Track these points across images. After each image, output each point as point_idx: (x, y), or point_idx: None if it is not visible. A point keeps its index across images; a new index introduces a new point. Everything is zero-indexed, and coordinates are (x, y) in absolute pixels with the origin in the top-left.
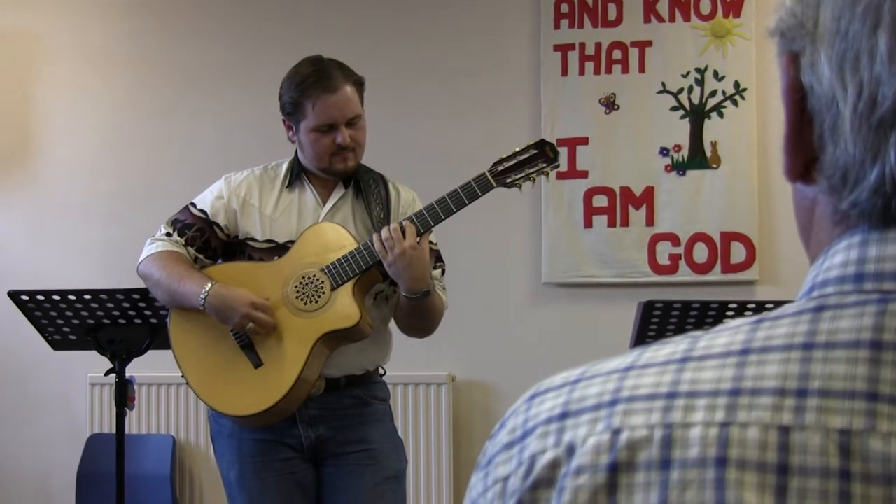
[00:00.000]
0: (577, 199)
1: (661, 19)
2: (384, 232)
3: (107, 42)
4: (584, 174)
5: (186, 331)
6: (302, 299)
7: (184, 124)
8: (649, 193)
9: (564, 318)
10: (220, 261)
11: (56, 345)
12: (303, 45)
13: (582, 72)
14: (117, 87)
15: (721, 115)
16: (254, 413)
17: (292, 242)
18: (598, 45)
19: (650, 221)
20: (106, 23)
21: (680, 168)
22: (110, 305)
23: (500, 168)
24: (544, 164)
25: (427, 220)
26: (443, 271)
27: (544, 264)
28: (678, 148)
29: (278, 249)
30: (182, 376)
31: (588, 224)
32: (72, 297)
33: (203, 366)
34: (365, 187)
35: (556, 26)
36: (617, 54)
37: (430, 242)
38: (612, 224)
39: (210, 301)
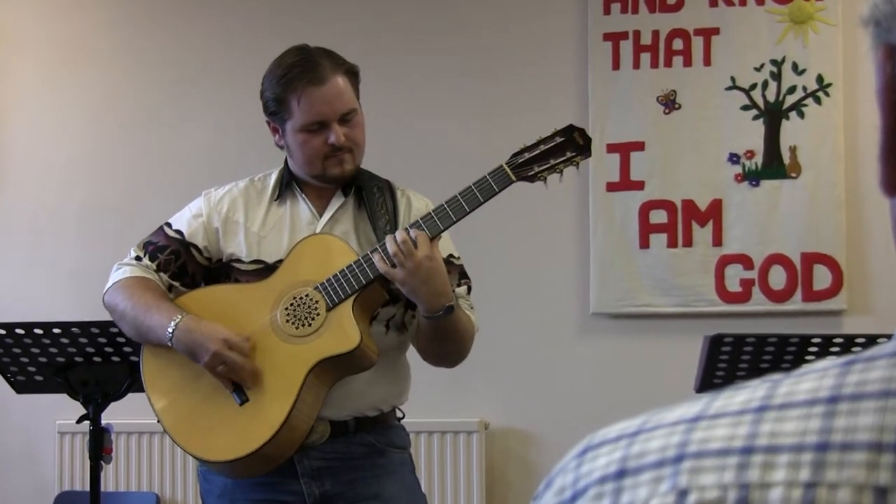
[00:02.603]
0: (631, 214)
1: (729, 3)
2: (390, 245)
3: (81, 33)
4: (640, 185)
5: (160, 368)
6: (293, 323)
7: (171, 129)
8: (716, 208)
9: (617, 355)
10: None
11: (19, 387)
12: (309, 36)
13: (636, 65)
14: (93, 85)
15: (801, 115)
16: (238, 458)
17: (282, 262)
18: (656, 34)
19: (718, 241)
20: (80, 10)
21: (753, 178)
22: (83, 341)
23: (521, 159)
24: (573, 154)
25: (436, 223)
26: (469, 289)
27: (593, 292)
28: (750, 154)
29: (268, 271)
30: (157, 420)
31: (644, 244)
32: (38, 331)
33: (179, 406)
34: (368, 195)
35: (607, 11)
36: (678, 44)
37: (452, 257)
38: (672, 244)
39: (178, 336)
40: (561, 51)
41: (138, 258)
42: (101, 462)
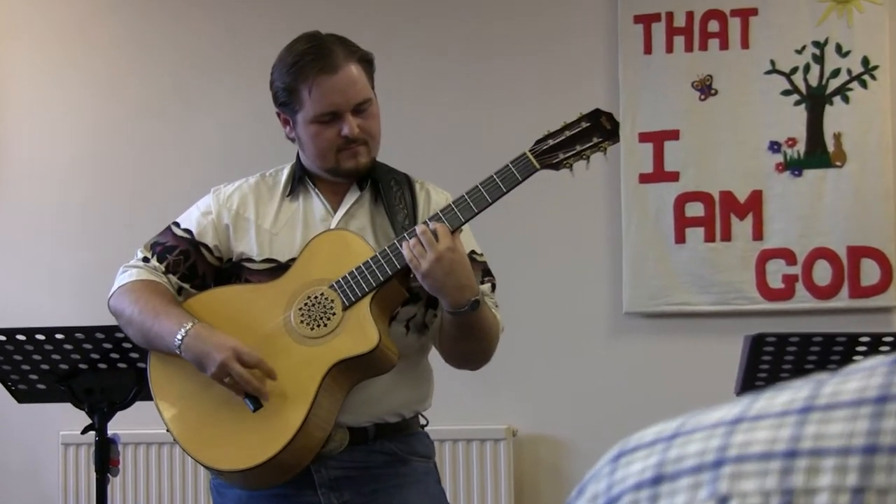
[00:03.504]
0: (665, 207)
1: None
2: (411, 238)
3: (81, 18)
4: (675, 176)
5: (169, 374)
6: (308, 324)
7: (176, 121)
8: (756, 199)
9: (651, 356)
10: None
11: (21, 396)
12: (323, 21)
13: (670, 48)
14: (94, 75)
15: (846, 99)
16: (252, 467)
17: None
18: (690, 15)
19: (758, 235)
20: None
21: (795, 167)
22: (88, 346)
23: (545, 146)
24: (601, 139)
25: (457, 215)
26: (493, 286)
27: (626, 290)
28: (792, 142)
29: (280, 270)
30: (167, 430)
31: (680, 239)
32: (40, 337)
33: (190, 414)
34: (385, 189)
35: None
36: (714, 26)
37: (475, 253)
38: (710, 238)
39: (187, 344)
40: (589, 35)
41: (146, 259)
42: (108, 475)
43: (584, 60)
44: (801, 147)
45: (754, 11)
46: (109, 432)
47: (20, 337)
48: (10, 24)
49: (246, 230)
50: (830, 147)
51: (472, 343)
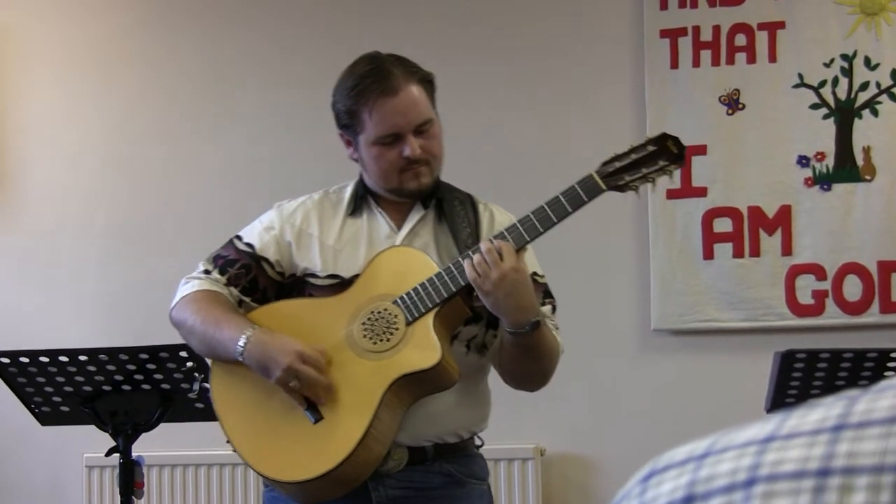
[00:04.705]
0: (693, 223)
1: None
2: (476, 255)
3: (104, 36)
4: (703, 192)
5: (230, 384)
6: (370, 338)
7: (203, 138)
8: (785, 214)
9: (680, 373)
10: None
11: (45, 418)
12: (350, 33)
13: (696, 63)
14: (118, 92)
15: (875, 113)
16: (311, 479)
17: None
18: (717, 29)
19: (787, 250)
20: (93, 16)
21: (824, 181)
22: (111, 368)
23: (612, 168)
24: (666, 163)
25: (522, 234)
26: (553, 308)
27: (654, 307)
28: (821, 156)
29: (343, 286)
30: (227, 440)
31: (708, 255)
32: (63, 359)
33: (250, 424)
34: (448, 208)
35: (663, 6)
36: (740, 40)
37: (537, 274)
38: (738, 254)
39: (249, 350)
40: (615, 49)
41: (207, 272)
42: (133, 497)
43: (611, 75)
44: (829, 161)
45: (782, 25)
46: (134, 454)
47: (43, 359)
48: (31, 43)
49: (309, 246)
50: (860, 161)
51: (530, 364)
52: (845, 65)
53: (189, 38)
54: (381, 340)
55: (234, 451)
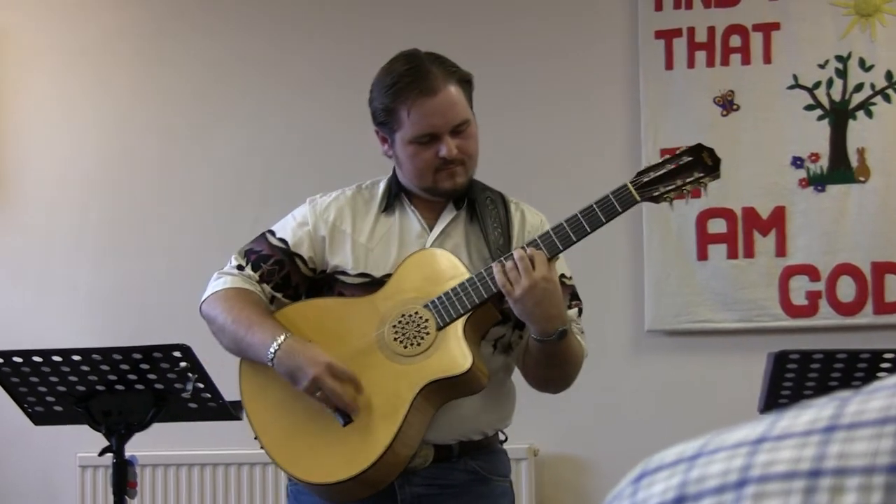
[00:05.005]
0: (688, 224)
1: None
2: (508, 262)
3: (100, 37)
4: (697, 193)
5: (260, 384)
6: (401, 342)
7: (198, 137)
8: (780, 215)
9: (674, 374)
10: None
11: (38, 418)
12: (348, 34)
13: (691, 64)
14: (114, 91)
15: (869, 114)
16: (341, 480)
17: (391, 277)
18: (712, 30)
19: (781, 251)
20: (87, 17)
21: (818, 183)
22: (105, 368)
23: (646, 178)
24: (701, 175)
25: (555, 243)
26: (580, 311)
27: (648, 308)
28: (815, 157)
29: (374, 285)
30: (255, 438)
31: (703, 255)
32: (57, 359)
33: (280, 424)
34: (481, 209)
35: (658, 7)
36: (735, 41)
37: (565, 276)
38: (733, 255)
39: (280, 357)
40: (610, 50)
41: (240, 267)
42: (126, 497)
43: (606, 76)
44: (824, 162)
45: (776, 26)
46: (127, 454)
47: (36, 359)
48: (27, 44)
49: (342, 243)
50: (854, 162)
51: (554, 369)
52: (840, 66)
53: (184, 39)
54: (413, 344)
55: (262, 448)
